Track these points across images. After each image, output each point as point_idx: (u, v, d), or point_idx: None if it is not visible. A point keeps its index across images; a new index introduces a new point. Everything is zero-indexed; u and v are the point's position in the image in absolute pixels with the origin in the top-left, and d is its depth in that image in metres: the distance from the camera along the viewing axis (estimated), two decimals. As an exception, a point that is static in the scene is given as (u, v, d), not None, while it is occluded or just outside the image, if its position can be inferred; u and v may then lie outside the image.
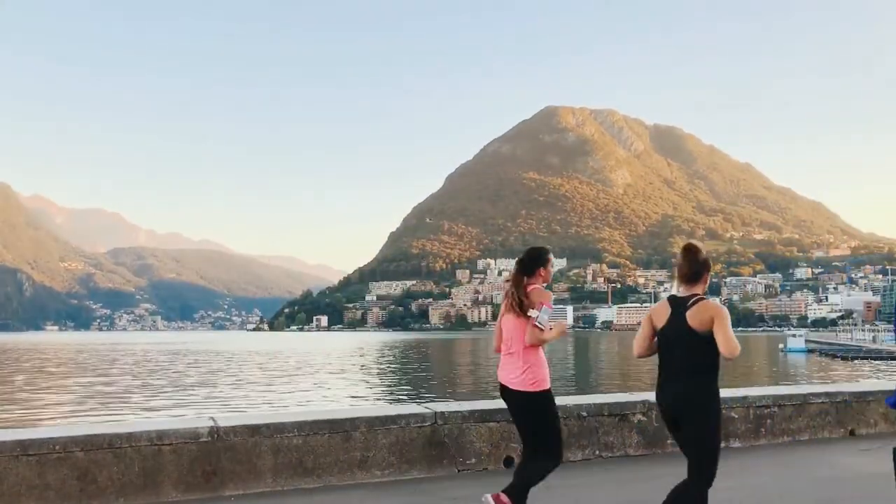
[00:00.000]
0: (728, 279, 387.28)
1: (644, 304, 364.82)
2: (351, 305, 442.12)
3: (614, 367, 58.29)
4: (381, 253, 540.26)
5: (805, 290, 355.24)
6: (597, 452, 5.93)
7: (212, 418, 5.13)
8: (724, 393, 6.85)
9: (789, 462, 5.95)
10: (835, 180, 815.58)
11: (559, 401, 6.12)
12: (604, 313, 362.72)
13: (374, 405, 20.49)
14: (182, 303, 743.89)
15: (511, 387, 4.29)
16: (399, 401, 28.69)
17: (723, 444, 6.36)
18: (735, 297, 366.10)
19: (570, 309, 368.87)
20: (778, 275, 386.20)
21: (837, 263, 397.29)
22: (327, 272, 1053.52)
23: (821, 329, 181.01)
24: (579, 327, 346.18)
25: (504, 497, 4.27)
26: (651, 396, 6.43)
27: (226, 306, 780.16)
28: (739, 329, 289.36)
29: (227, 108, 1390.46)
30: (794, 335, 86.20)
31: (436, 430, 5.43)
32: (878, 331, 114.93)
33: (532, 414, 4.30)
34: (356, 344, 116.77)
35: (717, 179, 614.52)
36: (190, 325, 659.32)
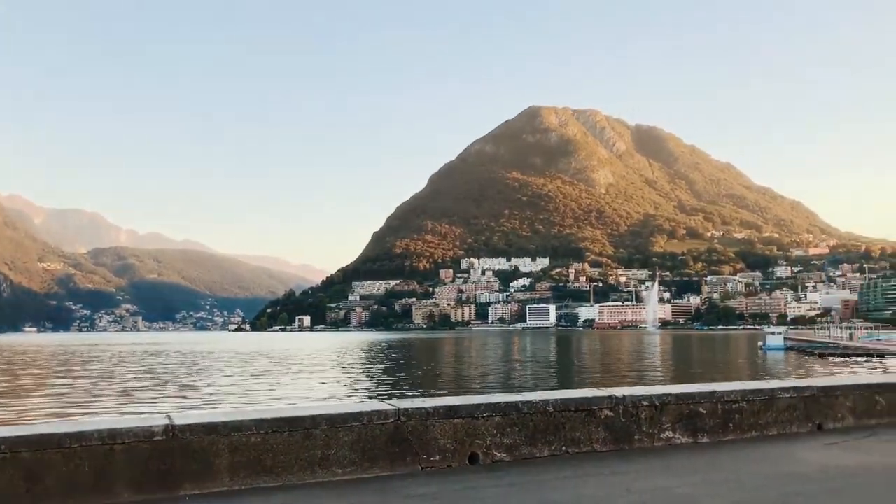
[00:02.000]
0: (709, 278, 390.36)
1: (625, 303, 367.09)
2: (334, 305, 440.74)
3: (595, 364, 58.52)
4: (364, 253, 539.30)
5: (784, 289, 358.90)
6: (563, 448, 5.87)
7: (168, 416, 5.01)
8: (692, 388, 6.86)
9: (756, 456, 5.93)
10: (814, 180, 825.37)
11: (525, 396, 6.07)
12: (586, 312, 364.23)
13: (336, 403, 20.31)
14: (164, 303, 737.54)
15: None
16: (364, 398, 28.62)
17: (690, 439, 6.38)
18: (716, 296, 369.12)
19: (552, 308, 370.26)
20: (758, 273, 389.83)
21: (816, 262, 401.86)
22: (311, 272, 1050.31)
23: (800, 327, 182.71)
24: (562, 325, 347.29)
25: None
26: (618, 391, 6.39)
27: (207, 306, 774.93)
28: (720, 327, 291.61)
29: (208, 107, 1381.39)
30: (773, 333, 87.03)
31: (399, 428, 5.34)
32: (856, 328, 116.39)
33: None
34: (338, 344, 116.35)
35: (697, 179, 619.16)
36: (172, 326, 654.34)
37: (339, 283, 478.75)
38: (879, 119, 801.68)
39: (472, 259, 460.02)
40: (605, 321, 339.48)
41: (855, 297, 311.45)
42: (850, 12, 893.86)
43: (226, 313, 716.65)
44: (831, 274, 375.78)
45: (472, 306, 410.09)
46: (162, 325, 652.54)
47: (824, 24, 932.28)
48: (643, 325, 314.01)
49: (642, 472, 5.39)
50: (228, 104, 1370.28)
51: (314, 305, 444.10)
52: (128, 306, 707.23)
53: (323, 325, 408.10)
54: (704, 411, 6.53)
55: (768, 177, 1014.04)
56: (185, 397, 29.18)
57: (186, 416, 5.20)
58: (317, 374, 44.86)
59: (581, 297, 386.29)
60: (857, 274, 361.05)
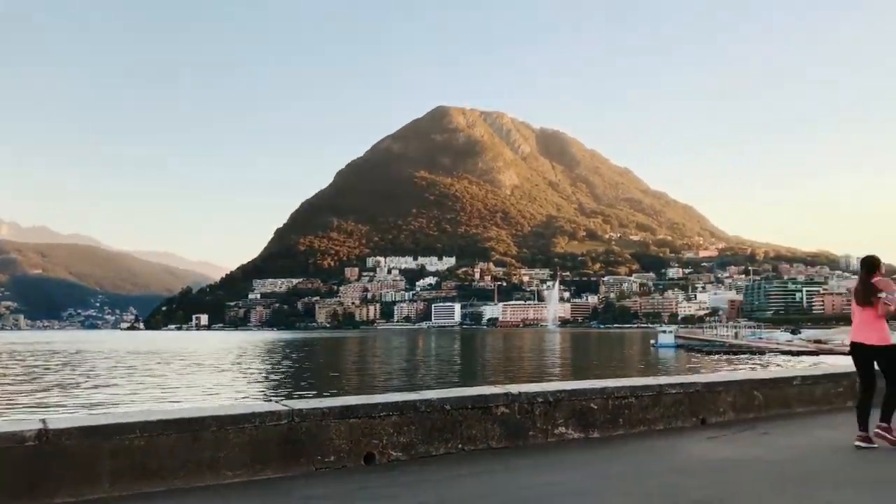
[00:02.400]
0: (606, 278, 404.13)
1: (528, 302, 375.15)
2: (233, 304, 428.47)
3: (497, 362, 59.45)
4: (266, 250, 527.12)
5: (676, 289, 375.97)
6: (459, 446, 5.91)
7: (42, 420, 4.70)
8: (585, 384, 7.06)
9: (644, 450, 6.16)
10: (704, 186, 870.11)
11: (423, 395, 6.08)
12: (490, 310, 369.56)
13: (226, 404, 19.69)
14: (48, 300, 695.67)
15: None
16: (258, 399, 27.94)
17: (582, 434, 6.56)
18: (612, 295, 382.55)
19: (457, 306, 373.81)
20: (652, 274, 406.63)
21: (706, 264, 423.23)
22: (210, 269, 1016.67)
23: (689, 325, 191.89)
24: (466, 324, 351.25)
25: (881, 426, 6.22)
26: (514, 388, 6.50)
27: (98, 304, 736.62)
28: (616, 325, 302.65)
29: (97, 97, 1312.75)
30: (664, 331, 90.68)
31: (293, 428, 5.23)
32: (740, 327, 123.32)
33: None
34: (235, 343, 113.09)
35: (598, 183, 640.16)
36: (57, 324, 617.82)
37: (239, 281, 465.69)
38: (766, 131, 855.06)
39: (378, 258, 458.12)
40: (509, 320, 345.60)
41: (740, 297, 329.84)
42: (739, 23, 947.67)
43: (118, 311, 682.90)
44: (719, 275, 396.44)
45: (378, 305, 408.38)
46: (46, 324, 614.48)
47: (720, 32, 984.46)
48: (544, 324, 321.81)
49: (536, 466, 5.50)
50: (121, 94, 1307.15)
51: (212, 303, 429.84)
52: (8, 303, 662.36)
53: (221, 324, 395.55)
54: (596, 407, 6.74)
55: (663, 182, 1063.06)
56: (65, 400, 27.58)
57: (63, 420, 4.91)
58: (210, 374, 43.40)
59: (486, 296, 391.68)
60: (743, 276, 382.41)
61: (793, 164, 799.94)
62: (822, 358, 52.45)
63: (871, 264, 6.65)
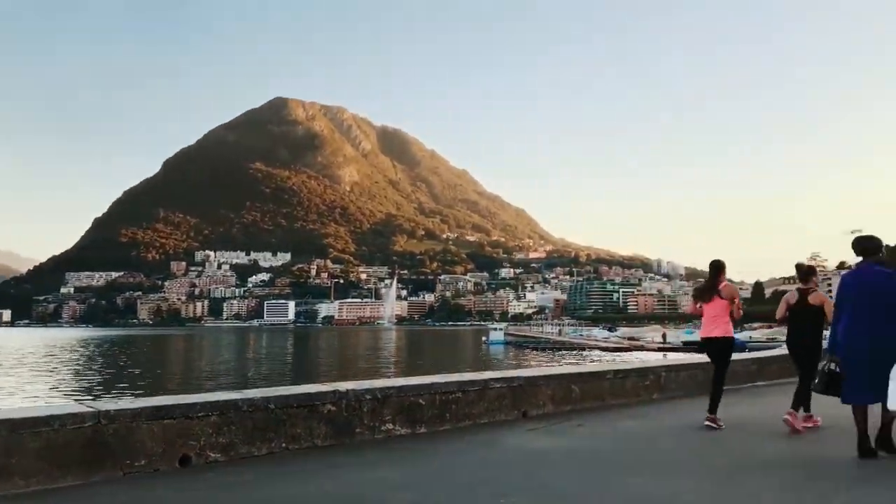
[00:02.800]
0: (442, 277, 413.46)
1: (365, 300, 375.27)
2: (42, 298, 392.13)
3: (331, 360, 58.92)
4: (82, 240, 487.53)
5: (507, 288, 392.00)
6: (283, 445, 5.76)
7: None
8: (414, 380, 7.13)
9: (468, 444, 6.32)
10: (535, 190, 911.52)
11: (245, 394, 5.86)
12: (326, 308, 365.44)
13: (21, 406, 17.98)
14: None
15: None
16: (61, 401, 25.80)
17: (409, 430, 6.62)
18: (448, 294, 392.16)
19: (292, 304, 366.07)
20: (485, 273, 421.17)
21: (535, 265, 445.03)
22: (14, 260, 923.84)
23: (519, 323, 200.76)
24: (300, 322, 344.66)
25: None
26: (343, 385, 6.44)
27: None
28: (450, 323, 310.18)
29: None
30: (495, 329, 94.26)
31: (98, 431, 4.83)
32: (564, 325, 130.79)
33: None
34: (43, 341, 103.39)
35: (437, 183, 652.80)
36: None
37: (49, 273, 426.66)
38: (592, 137, 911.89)
39: (207, 252, 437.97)
40: (345, 318, 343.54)
41: (565, 296, 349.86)
42: (570, 26, 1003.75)
43: None
44: (547, 276, 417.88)
45: (206, 302, 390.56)
46: None
47: (552, 35, 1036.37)
48: (380, 322, 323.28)
49: (361, 464, 5.47)
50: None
51: (17, 298, 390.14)
52: None
53: (27, 321, 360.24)
54: (424, 403, 6.83)
55: (498, 185, 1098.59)
56: None
57: None
58: (8, 376, 39.37)
59: (322, 293, 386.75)
60: (568, 276, 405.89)
61: (614, 173, 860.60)
62: (634, 354, 56.91)
63: (719, 267, 7.50)
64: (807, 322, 7.20)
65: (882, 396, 5.23)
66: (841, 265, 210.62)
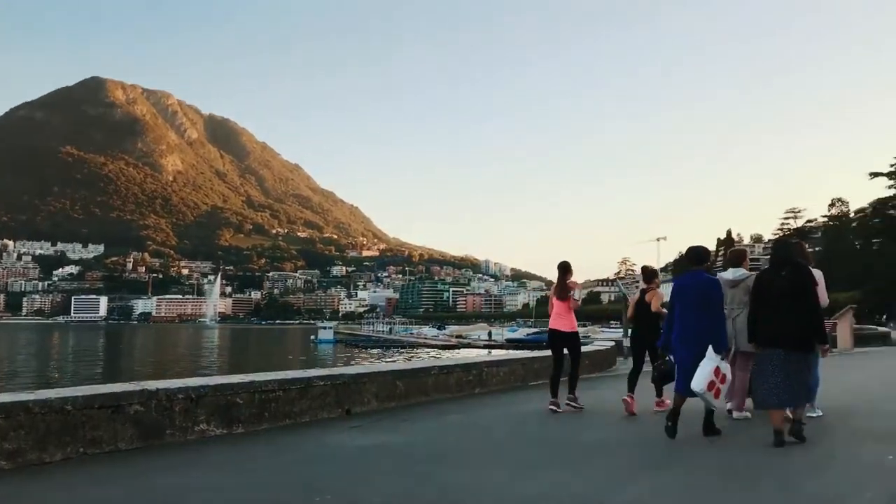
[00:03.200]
0: (271, 274, 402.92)
1: (186, 296, 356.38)
2: None
3: (146, 359, 55.35)
4: None
5: (339, 287, 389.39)
6: (81, 450, 5.27)
7: None
8: (232, 379, 6.83)
9: (288, 443, 6.14)
10: (370, 188, 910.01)
11: (38, 395, 5.31)
12: (142, 304, 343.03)
13: None
14: None
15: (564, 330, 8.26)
16: None
17: (225, 431, 6.32)
18: (276, 291, 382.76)
19: (104, 299, 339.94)
20: (316, 271, 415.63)
21: (368, 263, 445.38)
22: None
23: (349, 322, 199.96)
24: (114, 319, 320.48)
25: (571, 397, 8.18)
26: (153, 385, 6.03)
27: None
28: (278, 321, 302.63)
29: None
30: (324, 327, 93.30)
31: None
32: (395, 323, 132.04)
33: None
34: None
35: (267, 176, 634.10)
36: None
37: None
38: (425, 138, 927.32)
39: (5, 240, 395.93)
40: (164, 315, 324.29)
41: (397, 295, 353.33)
42: (418, 26, 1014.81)
43: None
44: (379, 275, 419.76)
45: (3, 296, 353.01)
46: None
47: (383, 35, 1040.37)
48: (202, 320, 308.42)
49: (170, 467, 5.14)
50: None
51: None
52: None
53: None
54: (242, 402, 6.55)
55: (332, 181, 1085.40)
56: None
57: None
58: None
59: (139, 288, 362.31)
60: (400, 276, 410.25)
61: (449, 174, 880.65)
62: (462, 351, 58.62)
63: (566, 268, 8.36)
64: (646, 319, 8.17)
65: (684, 389, 6.08)
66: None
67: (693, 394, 5.98)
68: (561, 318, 8.30)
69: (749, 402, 7.08)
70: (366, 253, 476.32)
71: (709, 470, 5.07)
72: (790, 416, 5.94)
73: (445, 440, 6.41)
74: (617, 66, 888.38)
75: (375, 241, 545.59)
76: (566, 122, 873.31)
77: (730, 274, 7.30)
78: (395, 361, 40.55)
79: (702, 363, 5.95)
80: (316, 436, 6.48)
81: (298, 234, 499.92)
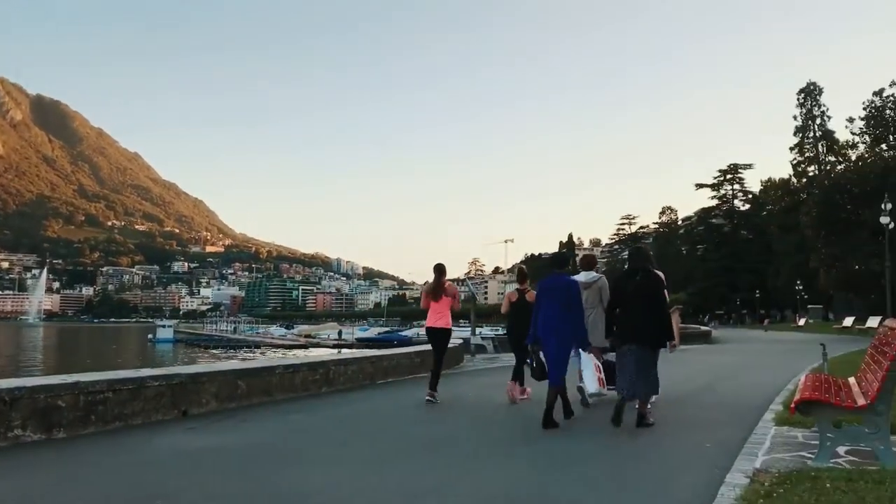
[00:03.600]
0: (105, 268, 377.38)
1: (6, 292, 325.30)
2: None
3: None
4: None
5: (180, 283, 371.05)
6: None
7: None
8: (53, 380, 6.31)
9: (117, 447, 5.75)
10: (215, 180, 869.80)
11: None
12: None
13: None
14: None
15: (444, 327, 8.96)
16: None
17: (44, 436, 5.82)
18: (111, 287, 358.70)
19: None
20: (156, 267, 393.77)
21: (212, 259, 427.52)
22: None
23: (191, 321, 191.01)
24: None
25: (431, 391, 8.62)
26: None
27: None
28: (113, 319, 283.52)
29: None
30: (164, 326, 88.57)
31: None
32: (240, 322, 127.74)
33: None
34: None
35: (103, 165, 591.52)
36: None
37: None
38: (276, 129, 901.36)
39: None
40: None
41: (243, 293, 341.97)
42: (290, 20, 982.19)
43: None
44: (224, 272, 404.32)
45: None
46: None
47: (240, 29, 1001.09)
48: (24, 317, 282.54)
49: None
50: None
51: None
52: None
53: None
54: (65, 404, 6.07)
55: (175, 173, 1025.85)
56: None
57: None
58: None
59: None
60: (247, 273, 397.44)
61: (299, 170, 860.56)
62: (311, 350, 57.69)
63: (441, 270, 9.00)
64: (525, 316, 8.27)
65: (557, 381, 6.79)
66: (496, 270, 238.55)
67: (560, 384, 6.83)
68: (437, 317, 8.94)
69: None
70: (210, 248, 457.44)
71: (550, 457, 5.33)
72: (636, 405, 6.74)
73: (287, 440, 6.25)
74: (463, 64, 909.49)
75: (221, 236, 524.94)
76: (418, 122, 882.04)
77: (583, 276, 8.14)
78: (237, 360, 39.18)
79: (584, 368, 7.39)
80: (148, 439, 6.11)
81: (137, 226, 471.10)
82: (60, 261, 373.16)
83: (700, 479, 4.49)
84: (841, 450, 4.99)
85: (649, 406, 6.78)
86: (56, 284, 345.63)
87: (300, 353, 54.96)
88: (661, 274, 7.27)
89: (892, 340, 4.64)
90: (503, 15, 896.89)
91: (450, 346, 15.58)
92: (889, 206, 29.45)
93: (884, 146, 40.01)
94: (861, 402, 4.69)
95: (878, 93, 39.51)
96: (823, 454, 4.66)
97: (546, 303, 6.94)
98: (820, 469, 4.25)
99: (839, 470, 4.29)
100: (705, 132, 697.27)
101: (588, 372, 7.49)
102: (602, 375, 7.49)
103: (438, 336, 8.98)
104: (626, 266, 7.27)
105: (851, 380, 5.86)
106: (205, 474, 4.86)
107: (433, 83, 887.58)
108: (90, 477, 4.78)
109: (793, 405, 4.87)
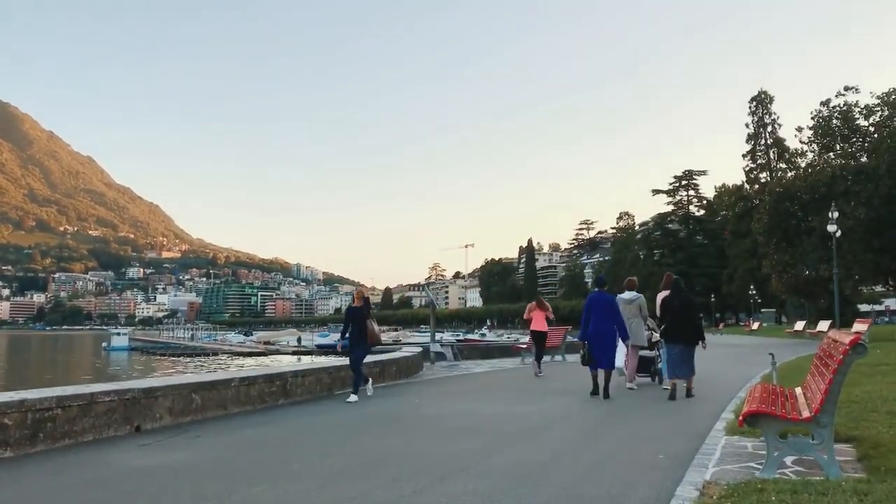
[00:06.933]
0: (57, 275, 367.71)
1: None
2: None
3: None
4: None
5: (136, 290, 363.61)
6: None
7: None
8: (-1, 398, 6.11)
9: (65, 465, 5.61)
10: (171, 184, 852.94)
11: None
12: None
13: None
14: None
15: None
16: None
17: (-11, 457, 5.63)
18: (63, 294, 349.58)
19: None
20: (110, 273, 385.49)
21: (168, 265, 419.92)
22: None
23: (147, 327, 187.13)
24: None
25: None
26: None
27: None
28: (65, 327, 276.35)
29: None
30: (118, 334, 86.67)
31: None
32: (198, 329, 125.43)
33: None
34: None
35: (54, 168, 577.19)
36: None
37: None
38: (235, 135, 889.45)
39: None
40: None
41: (200, 299, 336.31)
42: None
43: None
44: (181, 277, 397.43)
45: None
46: None
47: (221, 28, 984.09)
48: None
49: None
50: None
51: None
52: None
53: None
54: (11, 422, 5.90)
55: (130, 177, 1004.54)
56: None
57: None
58: None
59: None
60: (204, 279, 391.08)
61: (256, 173, 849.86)
62: (270, 357, 56.84)
63: (539, 301, 15.34)
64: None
65: (610, 365, 10.07)
66: (457, 274, 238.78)
67: (614, 367, 10.28)
68: (537, 324, 15.00)
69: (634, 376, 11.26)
70: (166, 254, 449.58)
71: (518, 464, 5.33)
72: (685, 385, 9.90)
73: (243, 455, 6.16)
74: (419, 71, 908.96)
75: (177, 241, 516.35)
76: (377, 126, 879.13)
77: (626, 295, 11.27)
78: (192, 373, 38.56)
79: (618, 351, 10.59)
80: (99, 457, 5.98)
81: (90, 232, 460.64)
82: (10, 267, 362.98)
83: (650, 495, 4.53)
84: (788, 460, 5.13)
85: (693, 385, 9.88)
86: (6, 291, 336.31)
87: (261, 360, 54.25)
88: (665, 292, 10.20)
89: (835, 353, 4.78)
90: (452, 21, 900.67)
91: (407, 355, 15.65)
92: (836, 214, 30.28)
93: (831, 155, 41.08)
94: (805, 413, 4.82)
95: (825, 103, 40.54)
96: (770, 466, 4.78)
97: (595, 312, 10.13)
98: (766, 481, 4.35)
99: (785, 481, 4.39)
100: (662, 138, 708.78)
101: (620, 356, 11.00)
102: (631, 362, 11.19)
103: (538, 336, 14.86)
104: (661, 289, 10.51)
105: (798, 390, 6.01)
106: (157, 493, 4.77)
107: (389, 88, 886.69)
108: (38, 498, 4.66)
109: (741, 418, 4.97)
